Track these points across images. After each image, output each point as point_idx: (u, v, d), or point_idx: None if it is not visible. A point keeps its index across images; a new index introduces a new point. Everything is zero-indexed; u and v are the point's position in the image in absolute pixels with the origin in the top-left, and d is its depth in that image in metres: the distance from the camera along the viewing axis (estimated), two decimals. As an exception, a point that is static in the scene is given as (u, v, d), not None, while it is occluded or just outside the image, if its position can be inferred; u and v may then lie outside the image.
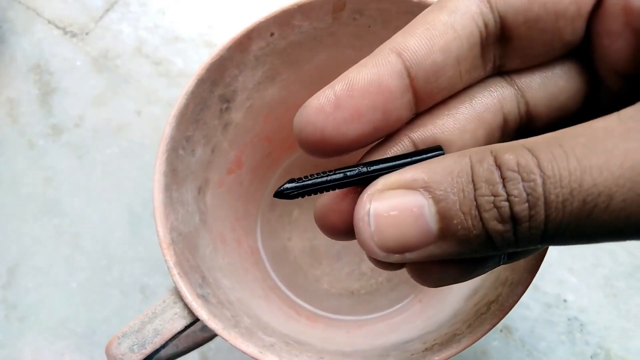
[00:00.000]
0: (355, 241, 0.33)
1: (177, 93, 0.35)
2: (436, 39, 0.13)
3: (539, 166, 0.11)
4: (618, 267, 0.31)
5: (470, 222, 0.11)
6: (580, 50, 0.14)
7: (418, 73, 0.13)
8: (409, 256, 0.12)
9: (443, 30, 0.13)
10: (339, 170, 0.13)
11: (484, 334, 0.18)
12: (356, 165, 0.13)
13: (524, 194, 0.11)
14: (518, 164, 0.11)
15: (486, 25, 0.13)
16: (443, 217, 0.11)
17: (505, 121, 0.14)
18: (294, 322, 0.26)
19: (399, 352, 0.20)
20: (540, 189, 0.11)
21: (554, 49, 0.14)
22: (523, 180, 0.11)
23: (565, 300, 0.31)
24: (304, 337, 0.23)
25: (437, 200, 0.12)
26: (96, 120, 0.36)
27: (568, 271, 0.31)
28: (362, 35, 0.24)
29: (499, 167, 0.11)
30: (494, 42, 0.14)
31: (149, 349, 0.19)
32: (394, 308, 0.29)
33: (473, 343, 0.18)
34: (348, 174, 0.13)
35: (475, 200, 0.11)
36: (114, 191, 0.35)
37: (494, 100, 0.14)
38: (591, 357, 0.30)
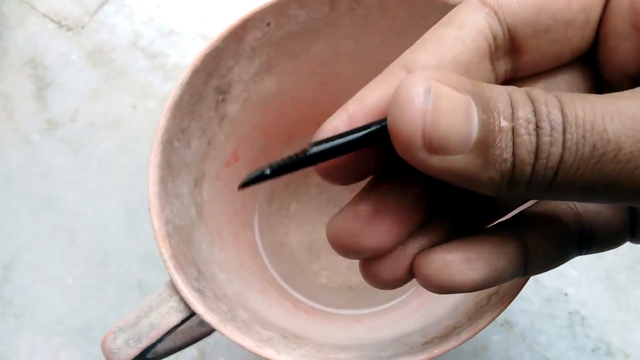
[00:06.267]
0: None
1: (173, 86, 0.35)
2: (445, 54, 0.13)
3: (560, 101, 0.11)
4: (618, 260, 0.31)
5: (503, 143, 0.11)
6: (586, 54, 0.14)
7: None
8: (434, 161, 0.11)
9: (452, 44, 0.13)
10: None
11: (484, 327, 0.18)
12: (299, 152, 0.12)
13: (549, 128, 0.11)
14: (546, 98, 0.11)
15: (495, 38, 0.13)
16: (485, 126, 0.11)
17: None
18: (292, 316, 0.26)
19: (398, 346, 0.20)
20: (561, 127, 0.10)
21: (563, 57, 0.14)
22: (549, 113, 0.11)
23: (565, 294, 0.30)
24: (302, 331, 0.23)
25: (483, 109, 0.11)
26: (91, 114, 0.36)
27: (568, 264, 0.31)
28: (360, 25, 0.24)
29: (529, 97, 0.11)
30: (504, 54, 0.14)
31: (144, 343, 0.19)
32: (394, 302, 0.29)
33: (473, 336, 0.18)
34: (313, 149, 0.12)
35: (513, 122, 0.11)
36: (109, 186, 0.35)
37: None
38: (592, 350, 0.29)
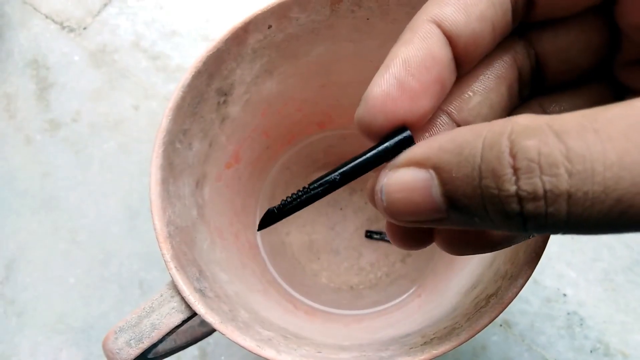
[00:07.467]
0: (354, 238, 0.33)
1: (175, 88, 0.35)
2: (472, 8, 0.13)
3: (567, 157, 0.09)
4: (617, 261, 0.31)
5: (474, 208, 0.11)
6: (599, 6, 0.14)
7: (458, 41, 0.13)
8: (424, 224, 0.12)
9: None
10: (311, 185, 0.14)
11: (483, 328, 0.18)
12: (327, 175, 0.14)
13: (541, 190, 0.09)
14: (540, 153, 0.09)
15: None
16: (449, 198, 0.11)
17: (519, 73, 0.15)
18: (292, 316, 0.26)
19: (397, 346, 0.20)
20: (564, 186, 0.09)
21: (575, 10, 0.14)
22: (542, 173, 0.09)
23: (564, 295, 0.31)
24: (302, 331, 0.23)
25: (443, 182, 0.11)
26: (93, 115, 0.36)
27: (567, 265, 0.31)
28: (360, 28, 0.24)
29: (513, 155, 0.10)
30: (522, 6, 0.14)
31: (146, 343, 0.19)
32: (393, 302, 0.29)
33: (472, 337, 0.18)
34: (316, 185, 0.14)
35: (481, 189, 0.10)
36: (111, 186, 0.35)
37: (509, 55, 0.14)
38: (591, 351, 0.30)
